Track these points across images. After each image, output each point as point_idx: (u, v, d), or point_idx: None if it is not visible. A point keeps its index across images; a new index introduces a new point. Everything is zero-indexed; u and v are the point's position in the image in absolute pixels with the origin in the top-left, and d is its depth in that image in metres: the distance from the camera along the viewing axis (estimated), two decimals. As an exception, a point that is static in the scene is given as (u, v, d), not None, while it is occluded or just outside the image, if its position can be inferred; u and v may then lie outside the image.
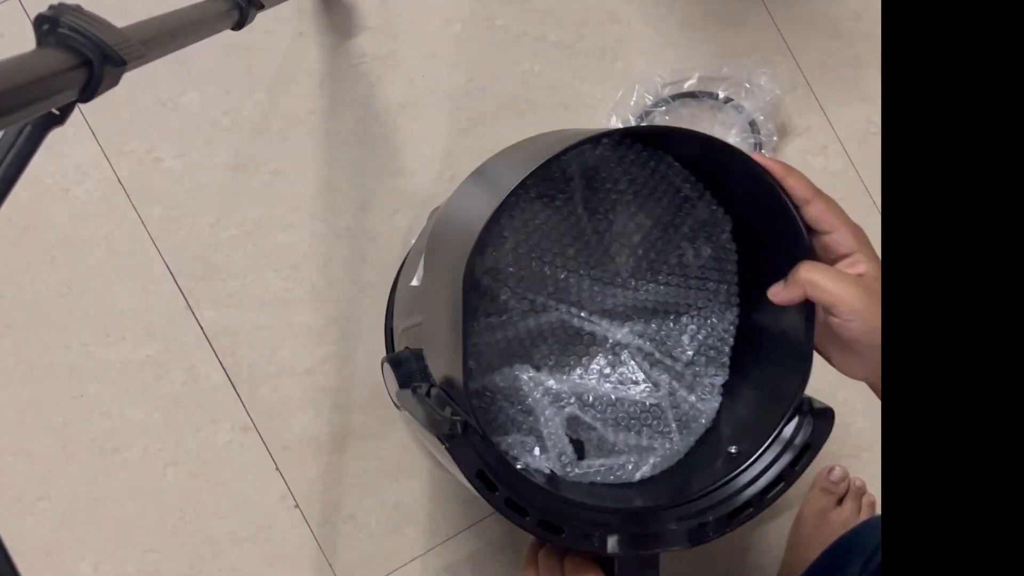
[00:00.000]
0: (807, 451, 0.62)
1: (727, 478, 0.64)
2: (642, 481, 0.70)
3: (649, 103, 0.98)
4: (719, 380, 0.72)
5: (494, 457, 0.59)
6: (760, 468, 0.63)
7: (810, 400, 0.64)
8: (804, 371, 0.63)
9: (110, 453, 0.92)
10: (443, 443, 0.58)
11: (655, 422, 0.73)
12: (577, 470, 0.69)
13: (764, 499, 0.63)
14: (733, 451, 0.66)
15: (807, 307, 0.62)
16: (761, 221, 0.64)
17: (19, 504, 0.91)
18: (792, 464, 0.63)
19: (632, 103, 0.98)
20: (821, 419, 0.63)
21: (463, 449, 0.58)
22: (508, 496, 0.58)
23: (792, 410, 0.63)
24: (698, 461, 0.71)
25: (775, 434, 0.63)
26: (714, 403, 0.72)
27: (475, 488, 0.58)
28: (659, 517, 0.63)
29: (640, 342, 0.74)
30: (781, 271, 0.62)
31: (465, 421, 0.58)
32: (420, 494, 0.95)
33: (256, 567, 0.93)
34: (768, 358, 0.69)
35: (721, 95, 0.99)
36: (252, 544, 0.93)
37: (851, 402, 1.00)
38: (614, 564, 0.62)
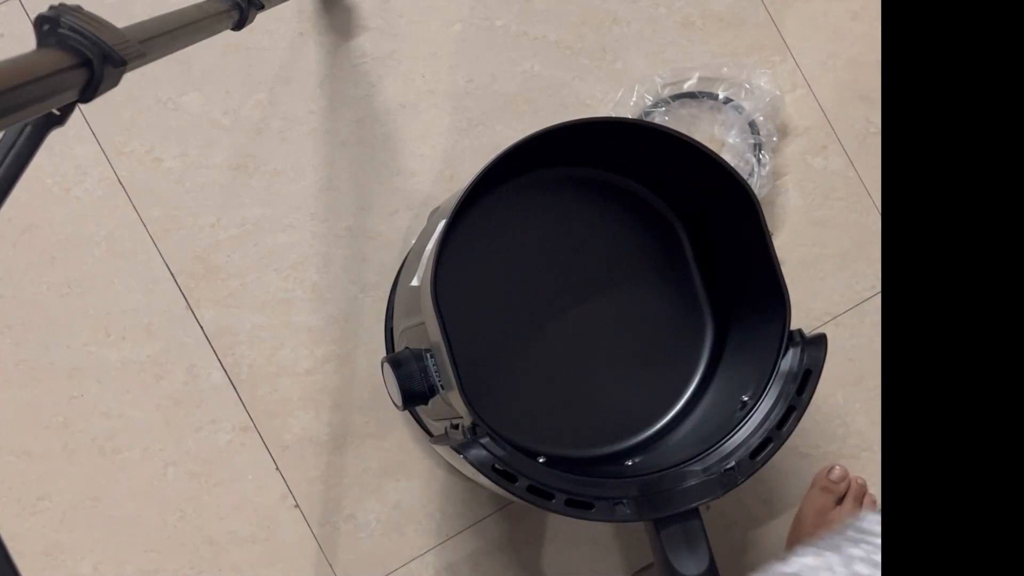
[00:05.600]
0: (809, 376, 0.66)
1: (743, 421, 0.67)
2: (664, 443, 0.73)
3: (649, 103, 0.98)
4: None
5: (506, 450, 0.60)
6: (771, 403, 0.67)
7: (801, 331, 0.68)
8: (783, 305, 0.67)
9: (110, 453, 0.92)
10: (457, 452, 0.59)
11: None
12: None
13: (782, 431, 0.65)
14: (745, 399, 0.69)
15: (764, 250, 0.68)
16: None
17: (19, 504, 0.91)
18: (799, 392, 0.66)
19: (632, 103, 0.98)
20: (815, 345, 0.67)
21: (474, 450, 0.59)
22: (530, 483, 0.60)
23: (784, 343, 0.67)
24: (715, 416, 0.72)
25: (775, 368, 0.67)
26: None
27: (494, 482, 0.59)
28: (685, 474, 0.64)
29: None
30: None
31: (473, 424, 0.59)
32: (420, 494, 0.95)
33: (256, 567, 0.93)
34: (751, 308, 0.73)
35: (721, 95, 0.99)
36: (252, 544, 0.93)
37: (851, 402, 0.99)
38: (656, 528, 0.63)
